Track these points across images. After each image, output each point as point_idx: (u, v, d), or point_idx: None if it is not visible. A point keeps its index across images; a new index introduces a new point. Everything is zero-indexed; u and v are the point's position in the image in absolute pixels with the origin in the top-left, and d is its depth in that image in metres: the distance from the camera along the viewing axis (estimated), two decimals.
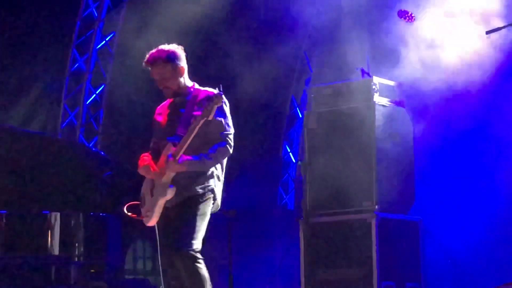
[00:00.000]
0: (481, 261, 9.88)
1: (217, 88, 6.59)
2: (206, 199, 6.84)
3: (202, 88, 6.99)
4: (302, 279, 9.31)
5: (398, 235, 9.18)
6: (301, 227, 9.41)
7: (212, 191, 6.86)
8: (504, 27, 8.00)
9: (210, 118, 6.59)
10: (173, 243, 6.73)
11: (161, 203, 6.75)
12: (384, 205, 9.12)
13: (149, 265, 10.92)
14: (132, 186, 8.29)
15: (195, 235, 6.74)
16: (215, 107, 6.57)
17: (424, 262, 9.34)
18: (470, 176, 10.19)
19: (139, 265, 10.97)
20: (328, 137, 9.48)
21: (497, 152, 9.78)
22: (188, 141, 6.63)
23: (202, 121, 6.58)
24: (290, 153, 12.13)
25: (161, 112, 7.12)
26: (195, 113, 6.75)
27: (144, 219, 6.87)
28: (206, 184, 6.83)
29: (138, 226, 7.64)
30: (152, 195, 6.82)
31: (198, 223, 6.79)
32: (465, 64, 9.48)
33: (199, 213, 6.79)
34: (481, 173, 10.10)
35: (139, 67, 6.99)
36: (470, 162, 10.22)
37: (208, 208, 6.86)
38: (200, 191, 6.79)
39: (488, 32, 8.02)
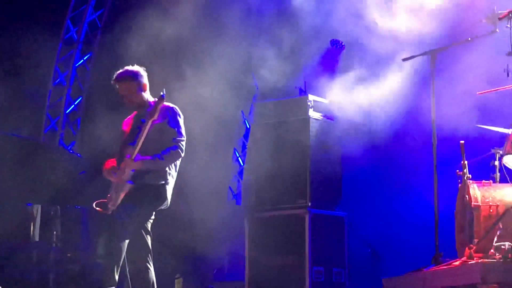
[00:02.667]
0: (394, 250, 9.96)
1: (161, 92, 6.66)
2: (156, 202, 6.91)
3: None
4: (247, 265, 9.35)
5: (327, 228, 9.21)
6: (246, 221, 9.47)
7: (163, 193, 6.91)
8: (419, 55, 8.05)
9: (155, 117, 6.66)
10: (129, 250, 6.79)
11: (122, 196, 6.80)
12: (316, 202, 9.17)
13: None
14: (103, 184, 8.28)
15: (126, 228, 6.76)
16: (159, 107, 6.64)
17: (348, 250, 9.40)
18: (387, 179, 10.30)
19: None
20: (270, 145, 9.52)
21: (410, 158, 9.90)
22: (141, 141, 6.67)
23: (150, 121, 6.65)
24: (239, 158, 12.17)
25: (127, 123, 7.17)
26: (154, 122, 6.83)
27: (111, 213, 6.91)
28: (160, 189, 6.89)
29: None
30: (116, 192, 6.87)
31: (139, 218, 6.86)
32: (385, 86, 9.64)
33: (144, 212, 6.86)
34: (396, 176, 10.21)
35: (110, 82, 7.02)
36: (387, 167, 10.33)
37: (152, 209, 6.93)
38: (152, 194, 6.85)
39: (404, 60, 8.09)
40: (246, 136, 12.17)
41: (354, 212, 9.81)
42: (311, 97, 9.53)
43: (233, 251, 10.21)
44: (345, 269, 9.30)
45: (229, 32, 10.74)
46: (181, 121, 6.93)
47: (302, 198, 9.17)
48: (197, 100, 7.95)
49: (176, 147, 6.79)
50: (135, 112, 7.12)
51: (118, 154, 6.95)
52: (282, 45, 10.70)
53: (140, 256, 6.83)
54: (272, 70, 10.93)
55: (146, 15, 10.57)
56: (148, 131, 6.71)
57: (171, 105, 6.97)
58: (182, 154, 6.83)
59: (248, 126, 12.12)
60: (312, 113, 9.43)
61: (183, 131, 6.90)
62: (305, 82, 10.50)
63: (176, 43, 10.46)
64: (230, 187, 12.13)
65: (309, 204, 9.11)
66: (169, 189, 6.91)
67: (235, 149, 12.13)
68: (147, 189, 6.79)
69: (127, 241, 6.65)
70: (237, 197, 11.93)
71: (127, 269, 6.84)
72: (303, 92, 9.97)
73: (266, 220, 9.33)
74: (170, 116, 6.88)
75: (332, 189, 9.46)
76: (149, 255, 6.87)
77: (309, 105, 9.44)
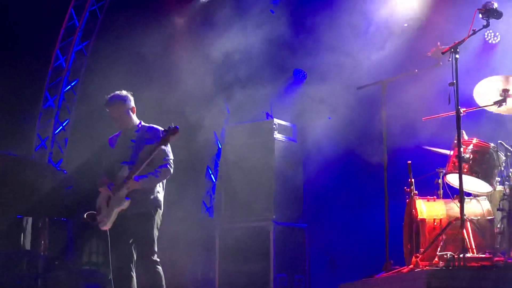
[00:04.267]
0: (350, 259, 9.98)
1: (172, 124, 6.74)
2: (158, 212, 6.94)
3: (147, 124, 7.11)
4: (217, 272, 9.34)
5: (289, 238, 9.25)
6: (217, 232, 9.47)
7: (160, 204, 6.96)
8: (372, 84, 8.08)
9: (167, 145, 6.76)
10: (139, 252, 6.78)
11: (116, 211, 6.78)
12: (280, 215, 9.20)
13: (100, 258, 10.80)
14: (88, 198, 8.26)
15: (155, 243, 6.83)
16: (173, 138, 6.70)
17: (309, 259, 9.43)
18: (344, 194, 10.33)
19: (93, 258, 10.83)
20: (239, 164, 9.55)
21: (364, 176, 9.95)
22: (144, 165, 6.73)
23: (159, 148, 6.72)
24: (212, 175, 12.15)
25: (113, 142, 7.16)
26: (145, 143, 6.86)
27: (100, 224, 6.88)
28: (157, 200, 6.92)
29: (93, 229, 7.60)
30: (108, 205, 6.84)
31: (155, 233, 6.87)
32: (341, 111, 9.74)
33: (155, 225, 6.88)
34: (352, 192, 10.25)
35: (96, 106, 7.03)
36: (344, 184, 10.37)
37: (159, 219, 6.95)
38: (153, 206, 6.89)
39: (359, 88, 8.14)
40: (218, 155, 12.15)
41: (315, 224, 9.83)
42: (276, 120, 9.59)
43: (206, 260, 10.17)
44: (306, 276, 9.33)
45: (204, 59, 10.77)
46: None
47: (267, 212, 9.19)
48: (175, 122, 7.98)
49: (167, 165, 6.88)
50: (120, 131, 7.12)
51: (109, 170, 6.95)
52: (252, 74, 10.76)
53: (127, 264, 6.85)
54: (242, 96, 10.98)
55: (127, 44, 10.60)
56: (140, 151, 6.77)
57: (159, 127, 7.03)
58: (172, 171, 6.90)
59: (220, 146, 12.11)
60: (277, 135, 9.48)
61: (170, 150, 6.97)
62: (271, 107, 10.58)
63: (156, 68, 10.48)
64: (203, 201, 12.10)
65: (274, 217, 9.13)
66: (162, 204, 6.98)
67: (208, 167, 12.11)
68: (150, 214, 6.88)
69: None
70: (209, 210, 11.90)
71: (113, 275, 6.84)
72: (270, 116, 10.03)
73: (235, 231, 9.33)
74: (159, 137, 6.93)
75: (294, 204, 9.50)
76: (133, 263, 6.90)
77: (274, 128, 9.49)
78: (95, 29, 11.85)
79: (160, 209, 6.96)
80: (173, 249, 10.04)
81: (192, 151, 11.81)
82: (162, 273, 6.81)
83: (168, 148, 6.95)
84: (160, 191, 6.99)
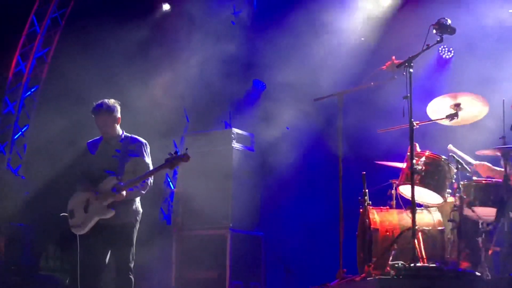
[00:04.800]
0: (305, 267, 10.02)
1: (185, 149, 6.74)
2: (138, 221, 6.91)
3: (129, 135, 7.08)
4: (173, 278, 9.30)
5: (246, 246, 9.25)
6: (174, 239, 9.43)
7: (140, 214, 6.93)
8: (329, 96, 8.10)
9: (171, 169, 6.77)
10: (119, 260, 6.74)
11: (96, 219, 6.73)
12: (237, 223, 9.21)
13: (57, 263, 10.69)
14: (45, 203, 8.19)
15: (134, 252, 6.80)
16: (181, 164, 6.69)
17: (264, 266, 9.44)
18: (300, 204, 10.39)
19: (50, 263, 10.72)
20: (197, 171, 9.51)
21: (320, 186, 10.02)
22: (139, 182, 6.71)
23: (163, 170, 6.74)
24: (170, 183, 12.10)
25: (93, 148, 7.08)
26: (130, 155, 6.84)
27: (75, 228, 6.80)
28: (137, 210, 6.90)
29: (50, 234, 7.53)
30: (86, 211, 6.77)
31: (134, 241, 6.84)
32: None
33: (135, 234, 6.87)
34: (307, 202, 10.30)
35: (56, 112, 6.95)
36: (300, 194, 10.44)
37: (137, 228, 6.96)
38: (134, 216, 6.86)
39: (316, 100, 8.16)
40: None
41: (271, 232, 9.85)
42: (234, 130, 9.59)
43: (163, 267, 10.11)
44: (262, 283, 9.34)
45: (165, 68, 10.74)
46: (149, 152, 7.00)
47: (224, 220, 9.19)
48: (135, 131, 7.91)
49: (149, 179, 6.85)
50: (101, 138, 7.06)
51: (88, 176, 6.89)
52: (211, 83, 10.76)
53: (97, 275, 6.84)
54: (201, 105, 10.99)
55: (88, 52, 10.52)
56: (126, 162, 6.75)
57: (141, 139, 7.02)
58: (151, 185, 6.91)
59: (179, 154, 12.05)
60: (235, 144, 9.49)
61: (151, 163, 6.96)
62: (230, 116, 10.59)
63: (116, 76, 10.40)
64: (161, 209, 12.04)
65: (231, 225, 9.12)
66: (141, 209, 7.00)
67: (167, 175, 12.05)
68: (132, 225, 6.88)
69: None
70: (167, 218, 11.85)
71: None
72: (228, 125, 10.04)
73: (192, 238, 9.32)
74: (143, 150, 6.93)
75: (251, 212, 9.50)
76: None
77: (233, 137, 9.50)
78: (56, 36, 11.73)
79: (139, 218, 6.95)
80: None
81: (151, 159, 11.73)
82: (133, 280, 6.78)
83: (149, 161, 6.95)
84: (139, 201, 6.99)
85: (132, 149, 6.93)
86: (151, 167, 6.89)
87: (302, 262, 10.06)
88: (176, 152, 6.70)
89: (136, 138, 7.02)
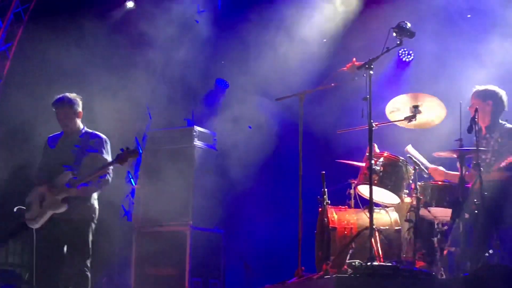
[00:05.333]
0: (264, 264, 10.04)
1: (135, 146, 6.68)
2: (94, 218, 6.83)
3: (90, 130, 6.99)
4: (133, 274, 9.23)
5: (206, 243, 9.22)
6: (134, 235, 9.37)
7: (96, 211, 6.85)
8: (290, 96, 8.10)
9: (122, 165, 6.68)
10: (74, 256, 6.64)
11: (49, 213, 6.64)
12: (197, 221, 9.18)
13: (16, 259, 10.55)
14: (4, 197, 8.06)
15: (90, 249, 6.72)
16: (131, 160, 6.63)
17: (224, 263, 9.43)
18: (261, 202, 10.40)
19: (9, 259, 10.57)
20: (159, 169, 9.47)
21: (280, 185, 10.03)
22: (92, 177, 6.62)
23: (112, 165, 6.65)
24: (132, 179, 12.00)
25: (53, 142, 7.01)
26: (88, 150, 6.75)
27: (29, 222, 6.72)
28: (94, 207, 6.82)
29: (9, 229, 7.40)
30: (41, 206, 6.68)
31: (91, 238, 6.78)
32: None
33: (91, 231, 6.79)
34: (267, 200, 10.32)
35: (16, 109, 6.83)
36: (261, 192, 10.44)
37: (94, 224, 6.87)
38: (90, 213, 6.77)
39: (277, 99, 8.16)
40: (138, 160, 12.01)
41: (232, 229, 9.85)
42: (197, 128, 9.56)
43: (122, 263, 10.04)
44: (221, 281, 9.32)
45: (128, 65, 10.64)
46: (109, 148, 6.91)
47: (185, 217, 9.16)
48: (97, 128, 7.83)
49: (106, 175, 6.77)
50: (62, 132, 6.97)
51: (46, 170, 6.79)
52: (175, 81, 10.71)
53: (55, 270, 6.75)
54: (164, 103, 10.92)
55: (52, 49, 10.37)
56: (83, 157, 6.66)
57: (102, 135, 6.93)
58: (110, 181, 6.81)
59: (140, 151, 11.97)
60: (197, 142, 9.46)
61: (110, 157, 6.87)
62: (193, 114, 10.55)
63: (78, 74, 10.28)
64: (122, 205, 11.95)
65: (191, 222, 9.08)
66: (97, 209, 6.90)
67: (128, 171, 11.95)
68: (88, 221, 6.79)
69: None
70: (128, 214, 11.76)
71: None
72: (191, 123, 9.99)
73: (152, 235, 9.26)
74: (103, 146, 6.85)
75: (212, 209, 9.47)
76: None
77: (195, 135, 9.47)
78: (19, 31, 11.55)
79: (96, 215, 6.87)
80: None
81: (113, 156, 11.63)
82: (90, 278, 6.70)
83: (109, 157, 6.87)
84: (96, 197, 6.91)
85: (92, 144, 6.86)
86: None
87: (261, 260, 10.09)
88: (127, 148, 6.64)
89: (96, 134, 6.95)
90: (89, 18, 10.31)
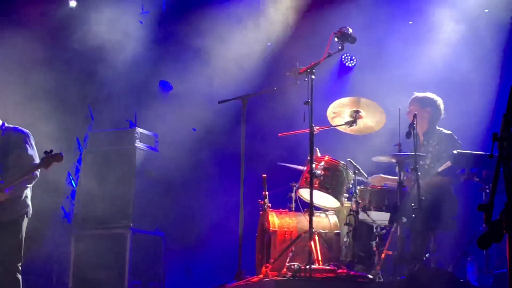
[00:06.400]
0: (205, 267, 10.02)
1: (60, 150, 6.56)
2: (25, 218, 6.70)
3: (11, 125, 6.85)
4: (71, 277, 9.10)
5: (146, 246, 9.11)
6: (73, 237, 9.25)
7: (28, 210, 6.73)
8: (233, 99, 8.12)
9: (47, 168, 6.55)
10: (3, 258, 6.53)
11: None
12: (137, 223, 9.10)
13: None
14: None
15: (21, 251, 6.59)
16: (55, 163, 6.51)
17: (165, 266, 9.37)
18: (202, 205, 10.37)
19: None
20: (100, 170, 9.36)
21: (222, 187, 10.03)
22: (19, 181, 6.49)
23: (38, 169, 6.53)
24: (72, 181, 11.85)
25: None
26: (11, 149, 6.62)
27: None
28: (25, 204, 6.69)
29: None
30: None
31: (22, 239, 6.63)
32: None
33: (23, 231, 6.65)
34: (209, 203, 10.30)
35: None
36: (203, 195, 10.43)
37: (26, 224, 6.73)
38: (21, 210, 6.65)
39: (220, 102, 8.18)
40: (79, 161, 11.87)
41: (173, 232, 9.78)
42: (138, 129, 9.49)
43: (61, 265, 9.90)
44: (161, 284, 9.25)
45: (69, 65, 10.52)
46: (34, 145, 6.78)
47: (125, 219, 9.05)
48: (38, 128, 7.71)
49: (35, 173, 6.64)
50: None
51: None
52: (118, 82, 10.62)
53: None
54: (106, 104, 10.82)
55: None
56: (8, 159, 6.54)
57: (26, 130, 6.79)
58: (38, 177, 6.70)
59: (81, 152, 11.83)
60: (139, 144, 9.39)
61: (37, 155, 6.74)
62: (135, 116, 10.47)
63: (18, 70, 10.12)
64: (62, 207, 11.80)
65: (131, 224, 9.01)
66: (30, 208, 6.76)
67: (69, 173, 11.81)
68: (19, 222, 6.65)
69: None
70: (68, 216, 11.61)
71: None
72: (133, 125, 9.92)
73: (92, 237, 9.13)
74: (27, 143, 6.71)
75: (153, 212, 9.38)
76: None
77: (137, 136, 9.39)
78: None
79: (28, 215, 6.74)
80: (28, 254, 9.71)
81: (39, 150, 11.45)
82: (20, 280, 6.59)
83: (34, 152, 6.74)
84: (28, 195, 6.77)
85: (15, 141, 6.72)
86: (35, 159, 6.69)
87: (203, 263, 10.05)
88: (51, 151, 6.55)
89: (18, 129, 6.79)
90: (31, 14, 10.17)
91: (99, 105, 11.12)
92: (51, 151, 6.52)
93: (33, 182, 6.74)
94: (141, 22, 10.73)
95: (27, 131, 6.80)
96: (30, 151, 6.67)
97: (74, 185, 11.76)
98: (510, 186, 3.23)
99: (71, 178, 11.88)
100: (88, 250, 9.05)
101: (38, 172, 6.72)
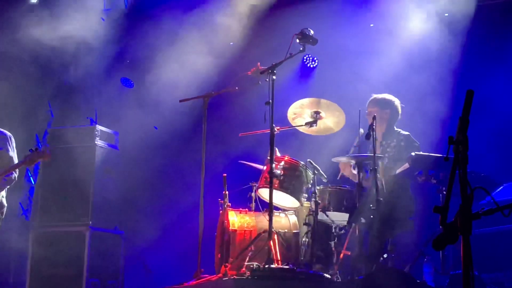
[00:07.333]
0: (164, 266, 10.01)
1: (46, 146, 6.49)
2: (2, 216, 6.65)
3: None
4: (28, 275, 9.01)
5: (105, 244, 9.06)
6: (31, 235, 9.16)
7: (4, 208, 6.68)
8: (194, 98, 8.14)
9: (30, 166, 6.50)
10: None
11: None
12: (96, 221, 9.04)
13: None
14: None
15: None
16: (42, 160, 6.45)
17: (124, 264, 9.33)
18: (163, 203, 10.36)
19: None
20: (59, 167, 9.26)
21: (183, 186, 10.02)
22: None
23: (21, 166, 6.47)
24: (31, 177, 11.73)
25: None
26: None
27: None
28: (2, 204, 6.64)
29: None
30: None
31: None
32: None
33: None
34: (169, 201, 10.29)
35: None
36: (163, 193, 10.41)
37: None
38: None
39: (181, 101, 8.16)
40: None
41: (132, 230, 9.76)
42: (99, 127, 9.42)
43: (18, 263, 9.79)
44: (119, 282, 9.21)
45: (30, 60, 10.41)
46: (15, 147, 6.73)
47: (84, 217, 8.99)
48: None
49: (13, 173, 6.59)
50: None
51: None
52: (78, 79, 10.55)
53: None
54: (67, 101, 10.73)
55: None
56: None
57: (7, 132, 6.73)
58: (16, 179, 6.64)
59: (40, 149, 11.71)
60: (99, 142, 9.32)
61: (16, 157, 6.69)
62: (96, 113, 10.40)
63: None
64: (20, 204, 11.67)
65: (90, 222, 8.95)
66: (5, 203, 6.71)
67: (27, 169, 11.68)
68: None
69: None
70: (26, 213, 11.49)
71: None
72: (94, 122, 9.85)
73: (50, 234, 9.06)
74: (8, 144, 6.66)
75: (112, 210, 9.33)
76: None
77: (97, 134, 9.32)
78: None
79: (3, 212, 6.70)
80: None
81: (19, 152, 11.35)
82: None
83: (14, 154, 6.69)
84: (4, 195, 6.73)
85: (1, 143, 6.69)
86: (15, 161, 6.67)
87: (161, 262, 10.03)
88: (37, 148, 6.51)
89: (1, 131, 6.77)
90: None
91: (59, 102, 11.02)
92: (36, 148, 6.47)
93: (12, 184, 6.70)
94: (103, 19, 10.66)
95: (9, 133, 6.77)
96: (10, 153, 6.68)
97: (33, 182, 11.65)
98: (465, 189, 3.28)
99: (29, 175, 11.75)
100: (47, 247, 8.97)
101: (16, 174, 6.68)
